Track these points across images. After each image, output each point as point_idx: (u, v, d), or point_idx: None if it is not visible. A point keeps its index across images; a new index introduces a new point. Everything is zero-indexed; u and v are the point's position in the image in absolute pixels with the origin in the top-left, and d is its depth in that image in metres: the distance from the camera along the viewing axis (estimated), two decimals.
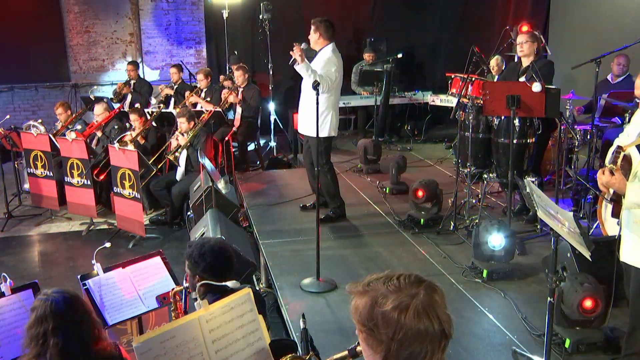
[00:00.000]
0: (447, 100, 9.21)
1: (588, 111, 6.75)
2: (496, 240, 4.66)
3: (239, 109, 8.45)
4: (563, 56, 8.24)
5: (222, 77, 9.55)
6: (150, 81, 10.06)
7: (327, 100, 5.61)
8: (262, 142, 9.32)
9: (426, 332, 1.48)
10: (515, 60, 6.28)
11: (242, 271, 4.44)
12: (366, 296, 1.55)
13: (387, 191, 6.85)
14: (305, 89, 5.68)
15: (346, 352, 1.84)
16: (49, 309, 2.39)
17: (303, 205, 6.37)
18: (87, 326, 2.45)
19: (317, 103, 4.64)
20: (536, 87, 5.04)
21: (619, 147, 3.16)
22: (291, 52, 5.29)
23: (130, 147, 6.76)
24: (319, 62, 5.60)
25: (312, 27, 5.63)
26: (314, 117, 4.78)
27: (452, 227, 5.66)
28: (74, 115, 7.91)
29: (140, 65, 10.64)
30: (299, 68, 5.35)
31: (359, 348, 1.78)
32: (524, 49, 5.62)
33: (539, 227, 5.54)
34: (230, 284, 3.02)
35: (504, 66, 7.87)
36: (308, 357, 2.34)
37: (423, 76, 11.39)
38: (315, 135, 5.01)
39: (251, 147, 8.88)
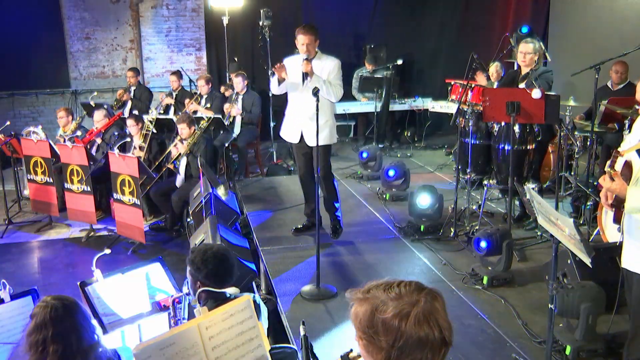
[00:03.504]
0: (447, 107, 9.23)
1: (589, 117, 6.76)
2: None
3: (238, 117, 8.45)
4: (563, 63, 8.26)
5: (222, 87, 9.58)
6: (151, 87, 10.08)
7: (331, 108, 5.51)
8: (262, 148, 9.32)
9: (427, 340, 1.48)
10: (515, 67, 6.28)
11: (242, 278, 4.43)
12: (366, 303, 1.55)
13: (387, 198, 6.84)
14: (308, 100, 5.10)
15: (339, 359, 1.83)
16: (48, 316, 2.38)
17: (296, 227, 5.89)
18: (86, 333, 2.44)
19: (317, 109, 4.59)
20: (536, 93, 5.05)
21: (617, 152, 3.16)
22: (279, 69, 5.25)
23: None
24: (331, 73, 5.29)
25: (311, 36, 5.18)
26: (322, 126, 4.87)
27: (452, 233, 5.65)
28: (74, 123, 7.90)
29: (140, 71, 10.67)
30: (313, 82, 5.07)
31: (351, 354, 1.78)
32: (526, 60, 5.61)
33: (539, 233, 5.53)
34: (230, 290, 3.02)
35: (502, 73, 7.89)
36: None
37: (423, 83, 11.41)
38: (323, 144, 5.14)
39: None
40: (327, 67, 5.32)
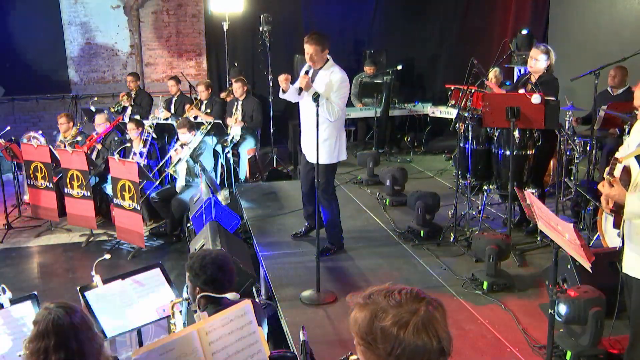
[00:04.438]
0: (447, 112, 9.24)
1: (586, 122, 6.76)
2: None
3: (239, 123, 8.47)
4: (562, 68, 8.22)
5: (223, 94, 9.60)
6: (151, 93, 10.10)
7: (335, 125, 5.14)
8: (262, 153, 9.33)
9: (424, 349, 1.47)
10: (515, 72, 6.28)
11: (242, 283, 4.43)
12: (366, 309, 1.54)
13: (387, 203, 6.84)
14: (310, 115, 4.99)
15: None
16: (51, 324, 2.36)
17: (295, 233, 5.93)
18: (88, 343, 2.43)
19: (317, 115, 4.53)
20: (535, 98, 5.05)
21: (615, 159, 3.17)
22: (281, 81, 5.03)
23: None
24: (331, 86, 5.01)
25: (316, 47, 4.98)
26: (323, 142, 4.69)
27: (452, 238, 5.65)
28: (74, 129, 7.91)
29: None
30: (307, 96, 4.91)
31: (351, 357, 1.79)
32: (534, 65, 5.58)
33: (539, 238, 5.53)
34: (230, 296, 3.02)
35: (502, 78, 7.90)
36: None
37: (423, 88, 11.43)
38: (322, 162, 4.82)
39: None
40: (330, 80, 5.04)
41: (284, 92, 5.17)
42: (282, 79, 5.03)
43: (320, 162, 4.81)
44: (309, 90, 4.87)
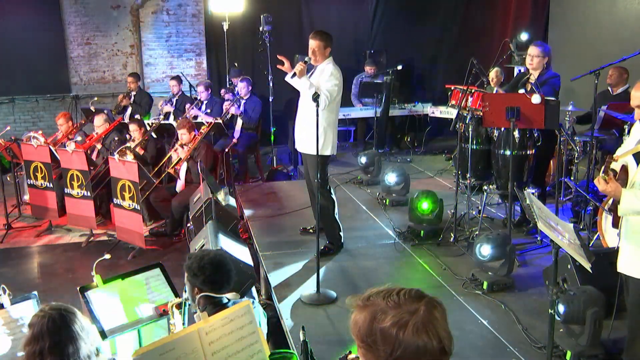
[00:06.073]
0: (447, 112, 9.24)
1: (582, 121, 6.75)
2: (485, 250, 4.75)
3: (239, 121, 8.47)
4: (562, 68, 8.24)
5: (223, 90, 9.61)
6: (151, 93, 10.10)
7: (327, 118, 5.25)
8: (262, 153, 9.34)
9: (425, 349, 1.47)
10: (515, 72, 6.27)
11: (242, 283, 4.42)
12: (365, 311, 1.54)
13: (387, 203, 6.84)
14: (304, 105, 5.33)
15: None
16: (45, 327, 2.36)
17: (304, 228, 6.07)
18: (84, 344, 2.43)
19: (317, 115, 4.56)
20: (535, 98, 5.05)
21: (610, 157, 3.17)
22: (284, 66, 5.22)
23: (130, 157, 6.75)
24: (322, 77, 5.23)
25: (319, 42, 5.20)
26: (313, 134, 4.63)
27: (452, 238, 5.65)
28: (74, 127, 7.91)
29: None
30: (300, 83, 5.10)
31: (350, 356, 1.79)
32: (533, 63, 5.63)
33: (539, 238, 5.53)
34: (230, 295, 3.02)
35: (502, 78, 7.89)
36: None
37: (423, 88, 11.42)
38: (313, 153, 4.83)
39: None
40: (322, 71, 5.27)
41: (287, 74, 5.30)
42: (282, 59, 5.26)
43: (307, 152, 5.26)
44: (301, 78, 5.08)
